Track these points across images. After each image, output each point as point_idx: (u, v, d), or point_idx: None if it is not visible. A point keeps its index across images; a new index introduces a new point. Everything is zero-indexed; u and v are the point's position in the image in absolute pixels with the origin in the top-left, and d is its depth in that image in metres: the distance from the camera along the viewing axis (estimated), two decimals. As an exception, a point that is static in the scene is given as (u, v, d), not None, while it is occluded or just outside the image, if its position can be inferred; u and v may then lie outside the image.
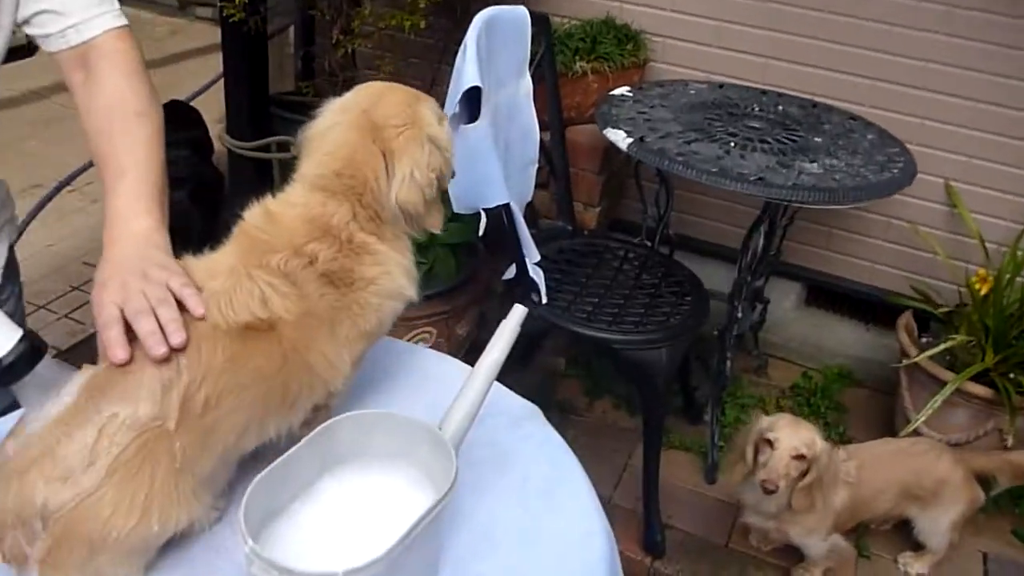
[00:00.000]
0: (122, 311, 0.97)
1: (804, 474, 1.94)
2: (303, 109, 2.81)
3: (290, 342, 1.06)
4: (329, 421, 1.06)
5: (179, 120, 3.16)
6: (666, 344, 2.15)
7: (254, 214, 1.14)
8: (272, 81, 3.15)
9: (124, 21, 1.24)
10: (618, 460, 2.61)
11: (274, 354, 1.05)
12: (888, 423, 2.82)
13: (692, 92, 2.61)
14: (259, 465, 0.98)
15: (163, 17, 5.85)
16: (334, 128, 1.14)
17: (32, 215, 2.76)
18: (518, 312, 1.21)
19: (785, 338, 3.08)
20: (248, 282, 1.04)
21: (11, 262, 1.42)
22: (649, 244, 2.64)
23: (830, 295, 3.06)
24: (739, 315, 2.44)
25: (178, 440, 0.95)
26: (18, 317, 1.42)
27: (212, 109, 3.25)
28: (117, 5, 1.24)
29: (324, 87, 2.83)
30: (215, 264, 1.09)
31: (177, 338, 0.96)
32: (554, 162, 2.48)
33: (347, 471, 1.09)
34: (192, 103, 3.27)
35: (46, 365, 1.00)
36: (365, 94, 1.17)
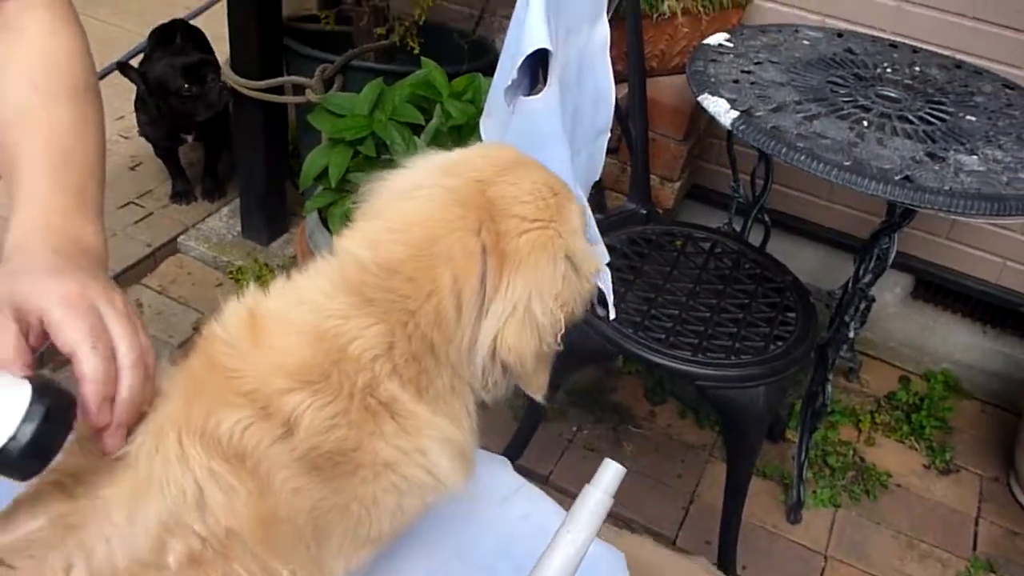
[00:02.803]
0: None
1: None
2: (322, 43, 2.35)
3: (234, 568, 0.62)
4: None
5: (191, 41, 2.68)
6: (765, 382, 1.69)
7: (232, 315, 0.69)
8: (293, 5, 2.64)
9: None
10: (684, 488, 2.19)
11: None
12: (1007, 449, 2.37)
13: (805, 42, 2.08)
14: None
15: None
16: (420, 192, 0.70)
17: None
18: (611, 474, 0.76)
19: (884, 336, 2.62)
20: (178, 466, 0.61)
21: None
22: (738, 231, 2.15)
23: (941, 290, 2.56)
24: (850, 334, 1.96)
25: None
26: None
27: (218, 30, 2.75)
28: None
29: (349, 17, 2.32)
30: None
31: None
32: (630, 127, 1.98)
33: None
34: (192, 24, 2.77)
35: None
36: (485, 157, 0.74)
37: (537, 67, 1.46)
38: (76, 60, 0.87)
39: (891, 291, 2.58)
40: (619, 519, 2.05)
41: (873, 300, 2.34)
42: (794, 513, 2.14)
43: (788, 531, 2.13)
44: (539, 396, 0.75)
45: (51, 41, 0.86)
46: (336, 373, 0.66)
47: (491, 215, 0.68)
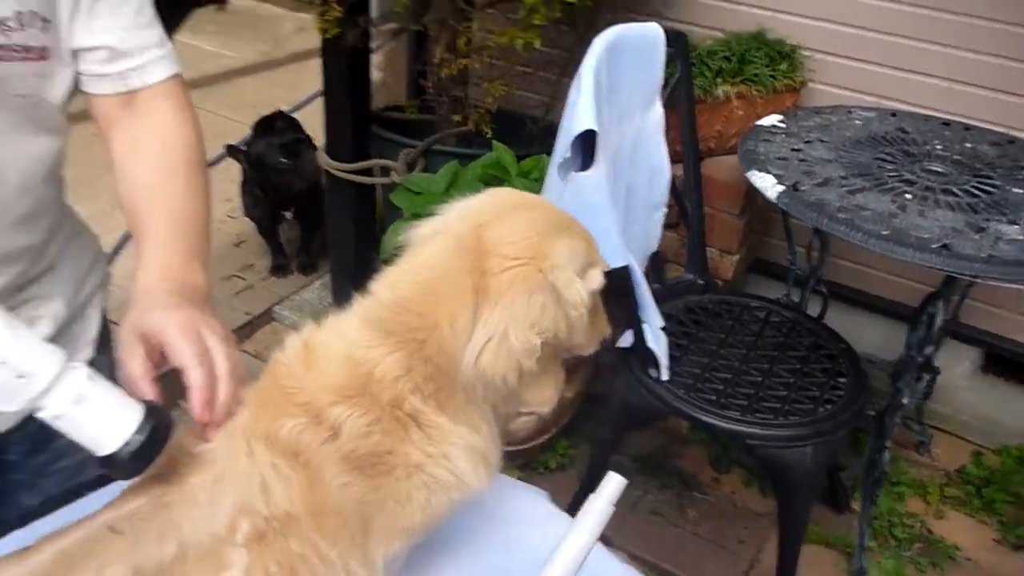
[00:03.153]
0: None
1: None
2: (407, 129, 2.58)
3: (291, 547, 0.76)
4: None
5: (290, 127, 2.96)
6: (812, 442, 1.76)
7: (291, 346, 0.85)
8: (385, 96, 2.90)
9: (179, 68, 1.11)
10: (745, 554, 2.23)
11: (265, 565, 0.76)
12: (1083, 528, 2.32)
13: (858, 122, 2.18)
14: None
15: (292, 13, 5.72)
16: (435, 239, 0.84)
17: (122, 243, 2.60)
18: (613, 485, 0.87)
19: (955, 410, 2.61)
20: (246, 462, 0.76)
21: (104, 331, 1.21)
22: (796, 301, 2.23)
23: (1012, 364, 2.56)
24: (904, 400, 2.01)
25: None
26: None
27: (316, 122, 3.02)
28: (171, 47, 1.10)
29: (432, 106, 2.54)
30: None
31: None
32: (686, 202, 2.11)
33: None
34: (294, 115, 3.05)
35: None
36: (492, 202, 0.86)
37: (588, 147, 1.61)
38: (191, 143, 1.08)
39: (960, 365, 2.59)
40: (679, 581, 2.12)
41: (938, 372, 2.38)
42: (856, 582, 2.15)
43: (851, 600, 2.14)
44: (543, 410, 0.86)
45: (172, 126, 1.07)
46: (368, 391, 0.80)
47: (480, 255, 0.80)
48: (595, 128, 1.52)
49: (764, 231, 2.57)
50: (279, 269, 3.08)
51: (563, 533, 0.84)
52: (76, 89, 1.05)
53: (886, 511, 2.32)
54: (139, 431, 0.72)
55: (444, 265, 0.81)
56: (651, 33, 1.85)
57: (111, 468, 0.73)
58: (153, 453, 0.73)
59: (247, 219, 3.17)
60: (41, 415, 0.70)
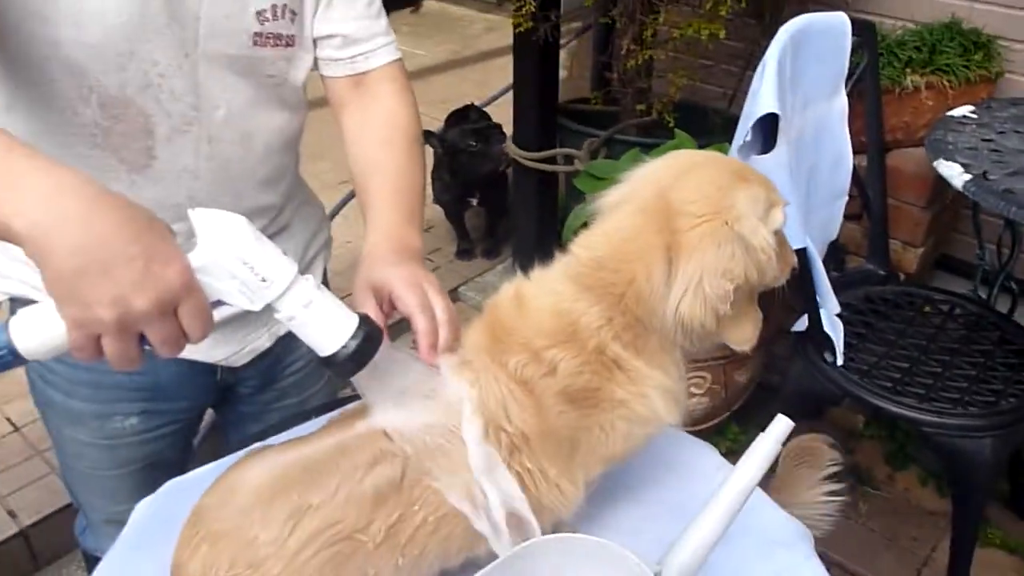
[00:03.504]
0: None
1: None
2: (591, 120, 2.68)
3: (522, 461, 0.89)
4: (528, 543, 0.87)
5: (480, 118, 3.14)
6: (992, 433, 1.73)
7: (506, 292, 0.98)
8: (570, 90, 3.02)
9: (400, 55, 1.24)
10: (919, 552, 2.20)
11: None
12: None
13: (1057, 114, 2.11)
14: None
15: (481, 14, 5.97)
16: (623, 205, 0.94)
17: (336, 210, 2.84)
18: (781, 426, 0.94)
19: None
20: (494, 382, 0.89)
21: (325, 284, 1.39)
22: (983, 297, 2.18)
23: None
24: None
25: (370, 566, 0.84)
26: None
27: (504, 117, 3.19)
28: (394, 36, 1.24)
29: (616, 98, 2.64)
30: (467, 338, 0.95)
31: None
32: (869, 192, 2.11)
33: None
34: (485, 109, 3.23)
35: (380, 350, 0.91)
36: (670, 166, 0.95)
37: (769, 132, 1.66)
38: (411, 120, 1.20)
39: None
40: (846, 572, 2.11)
41: None
42: (1039, 589, 2.08)
43: (1032, 607, 2.07)
44: (745, 347, 0.94)
45: (395, 105, 1.20)
46: (576, 339, 0.90)
47: (669, 216, 0.89)
48: (777, 111, 1.57)
49: (952, 226, 2.51)
50: (464, 253, 3.27)
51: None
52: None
53: (1076, 519, 2.23)
54: (355, 336, 0.81)
55: (635, 227, 0.91)
56: (837, 22, 1.87)
57: (331, 367, 0.83)
58: (366, 357, 0.83)
59: (436, 206, 3.38)
60: (277, 316, 0.80)
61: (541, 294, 0.94)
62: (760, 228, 0.90)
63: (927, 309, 2.07)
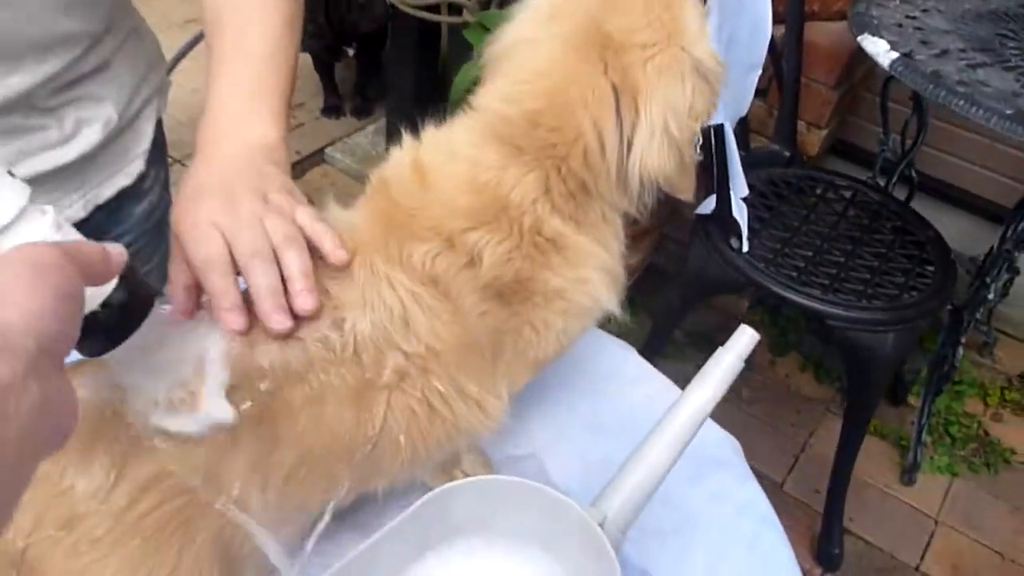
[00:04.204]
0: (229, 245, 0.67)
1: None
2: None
3: (432, 384, 0.69)
4: (443, 488, 0.70)
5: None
6: (894, 328, 1.67)
7: (398, 163, 0.75)
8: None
9: None
10: (797, 438, 2.19)
11: (407, 404, 0.69)
12: None
13: (977, -5, 2.00)
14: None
15: None
16: (540, 43, 0.73)
17: (182, 53, 2.46)
18: (745, 339, 0.79)
19: (1024, 314, 2.52)
20: (386, 288, 0.67)
21: (159, 142, 1.11)
22: (882, 185, 2.11)
23: (1095, 271, 2.44)
24: (990, 296, 1.91)
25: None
26: (162, 209, 1.14)
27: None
28: None
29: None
30: (342, 231, 0.72)
31: (306, 302, 0.66)
32: (783, 68, 1.96)
33: (458, 550, 0.74)
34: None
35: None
36: None
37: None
38: None
39: (1038, 268, 2.48)
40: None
41: (1018, 272, 2.26)
42: (909, 475, 2.11)
43: (900, 492, 2.10)
44: (689, 196, 0.78)
45: None
46: (504, 216, 0.71)
47: (613, 51, 0.70)
48: (713, -34, 1.37)
49: (850, 109, 2.42)
50: (332, 110, 2.96)
51: (659, 391, 0.78)
52: None
53: (943, 409, 2.26)
54: (109, 300, 0.55)
55: (568, 69, 0.72)
56: None
57: (77, 343, 0.56)
58: (127, 328, 0.58)
59: (302, 54, 3.04)
60: None
61: (450, 162, 0.74)
62: (710, 47, 0.73)
63: (829, 195, 1.98)
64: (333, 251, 0.68)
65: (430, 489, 0.88)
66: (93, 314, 0.55)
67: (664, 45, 0.71)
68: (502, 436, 0.94)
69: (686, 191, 0.77)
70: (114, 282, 0.56)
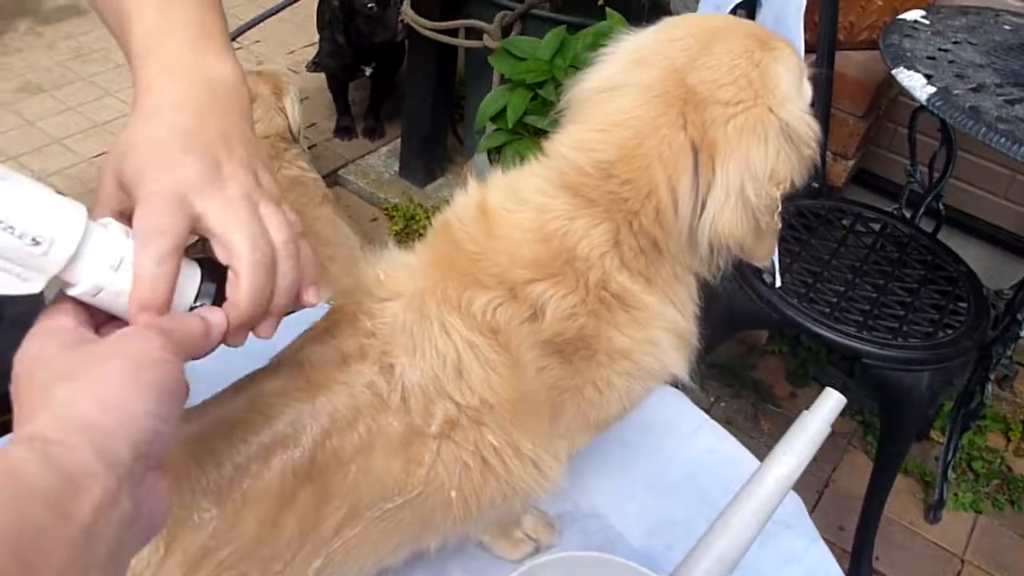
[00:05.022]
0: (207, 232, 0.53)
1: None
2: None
3: (485, 439, 0.66)
4: (527, 567, 0.66)
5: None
6: (931, 367, 1.64)
7: (463, 206, 0.72)
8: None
9: None
10: (819, 473, 2.15)
11: (458, 457, 0.65)
12: None
13: (1007, 27, 1.98)
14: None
15: None
16: (620, 91, 0.69)
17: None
18: (831, 403, 0.76)
19: (1045, 347, 2.49)
20: (439, 334, 0.64)
21: None
22: (909, 216, 2.08)
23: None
24: (1022, 332, 1.88)
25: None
26: None
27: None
28: None
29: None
30: (397, 273, 0.68)
31: (269, 332, 0.55)
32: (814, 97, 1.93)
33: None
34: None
35: None
36: (680, 36, 0.71)
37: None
38: None
39: (1059, 301, 2.45)
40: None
41: (1041, 305, 2.24)
42: (934, 512, 2.07)
43: (925, 530, 2.06)
44: (766, 262, 0.75)
45: None
46: (570, 269, 0.68)
47: (694, 106, 0.67)
48: (759, -2, 1.35)
49: (876, 142, 2.40)
50: (344, 131, 2.93)
51: (718, 443, 0.74)
52: None
53: (966, 445, 2.23)
54: (202, 295, 0.53)
55: (650, 121, 0.68)
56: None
57: None
58: None
59: (311, 74, 3.00)
60: (74, 292, 0.50)
61: (518, 208, 0.70)
62: (804, 113, 0.70)
63: (859, 227, 1.95)
64: (304, 295, 0.57)
65: (485, 548, 0.85)
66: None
67: (749, 104, 0.67)
68: (560, 493, 0.91)
69: (762, 258, 0.73)
70: (197, 275, 0.53)
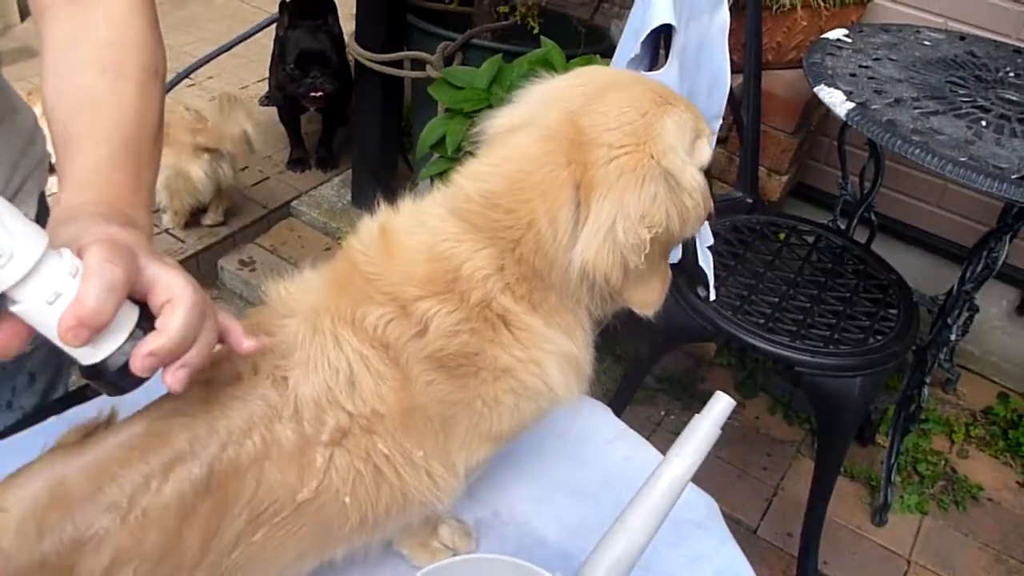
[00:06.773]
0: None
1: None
2: (444, 21, 2.43)
3: (376, 447, 0.69)
4: (430, 568, 0.70)
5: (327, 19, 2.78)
6: (862, 373, 1.69)
7: (366, 230, 0.76)
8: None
9: None
10: (768, 480, 2.20)
11: (350, 464, 0.69)
12: (1109, 476, 2.30)
13: (927, 43, 2.06)
14: None
15: None
16: (519, 130, 0.74)
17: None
18: (721, 406, 0.80)
19: (985, 350, 2.57)
20: (333, 347, 0.67)
21: (42, 215, 1.07)
22: (843, 228, 2.15)
23: (1051, 306, 2.50)
24: (952, 336, 1.94)
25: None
26: None
27: (345, 13, 2.87)
28: None
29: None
30: (298, 291, 0.73)
31: (181, 382, 0.59)
32: (743, 116, 2.00)
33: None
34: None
35: None
36: (580, 84, 0.76)
37: (659, 44, 1.50)
38: (148, 45, 0.81)
39: (996, 304, 2.53)
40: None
41: (977, 310, 2.31)
42: (880, 515, 2.12)
43: (872, 532, 2.12)
44: (648, 312, 0.78)
45: (126, 21, 0.81)
46: (455, 288, 0.72)
47: (580, 146, 0.71)
48: (673, 23, 1.40)
49: (812, 155, 2.47)
50: (297, 163, 2.96)
51: (634, 451, 0.78)
52: None
53: (911, 447, 2.29)
54: (133, 337, 0.56)
55: (536, 158, 0.73)
56: (727, -71, 1.71)
57: (98, 380, 0.58)
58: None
59: (264, 108, 3.04)
60: (14, 308, 0.53)
61: (415, 231, 0.74)
62: (690, 166, 0.73)
63: (793, 240, 2.01)
64: (237, 342, 0.64)
65: (403, 558, 0.88)
66: (117, 350, 0.57)
67: (631, 149, 0.71)
68: (479, 501, 0.94)
69: (641, 304, 0.77)
70: (134, 317, 0.57)
